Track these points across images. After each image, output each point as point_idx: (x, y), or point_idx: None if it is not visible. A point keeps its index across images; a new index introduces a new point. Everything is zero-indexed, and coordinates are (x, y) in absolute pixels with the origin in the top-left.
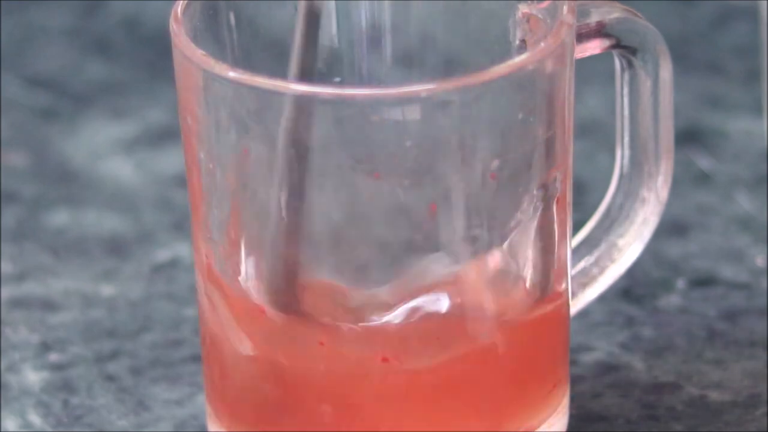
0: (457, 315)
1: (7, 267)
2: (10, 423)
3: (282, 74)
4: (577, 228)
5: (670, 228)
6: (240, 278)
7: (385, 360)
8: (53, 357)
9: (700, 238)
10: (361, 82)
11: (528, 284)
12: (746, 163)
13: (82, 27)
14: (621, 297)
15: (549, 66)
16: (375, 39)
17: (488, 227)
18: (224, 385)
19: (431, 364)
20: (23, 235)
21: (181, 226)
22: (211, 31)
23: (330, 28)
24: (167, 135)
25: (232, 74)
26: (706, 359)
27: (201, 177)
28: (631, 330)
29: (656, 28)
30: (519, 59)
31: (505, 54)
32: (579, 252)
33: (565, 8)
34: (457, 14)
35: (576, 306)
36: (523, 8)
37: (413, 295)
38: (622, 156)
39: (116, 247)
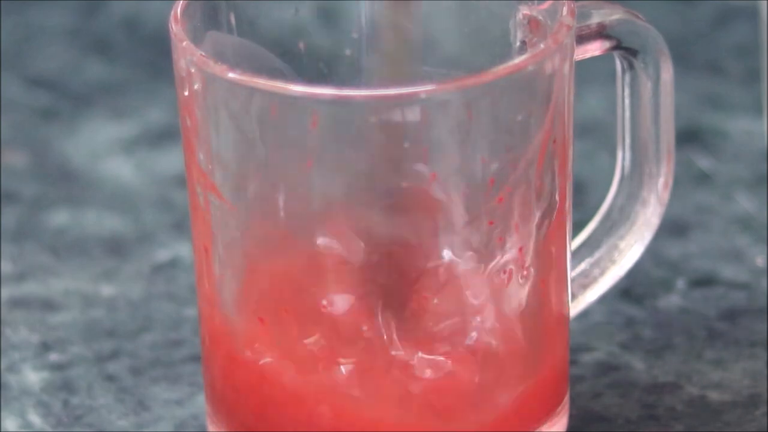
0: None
1: (7, 267)
2: (10, 423)
3: (282, 75)
4: (577, 229)
5: (670, 228)
6: (238, 278)
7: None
8: (53, 357)
9: (700, 238)
10: (361, 82)
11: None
12: (746, 163)
13: (82, 27)
14: (621, 297)
15: (549, 67)
16: (375, 39)
17: (488, 229)
18: (224, 385)
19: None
20: (23, 235)
21: (181, 226)
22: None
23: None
24: (167, 135)
25: (231, 75)
26: (706, 359)
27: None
28: (631, 330)
29: (656, 28)
30: (519, 60)
31: (506, 55)
32: (580, 253)
33: (564, 10)
34: (458, 15)
35: (576, 308)
36: (523, 9)
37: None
38: (623, 158)
39: (116, 247)
